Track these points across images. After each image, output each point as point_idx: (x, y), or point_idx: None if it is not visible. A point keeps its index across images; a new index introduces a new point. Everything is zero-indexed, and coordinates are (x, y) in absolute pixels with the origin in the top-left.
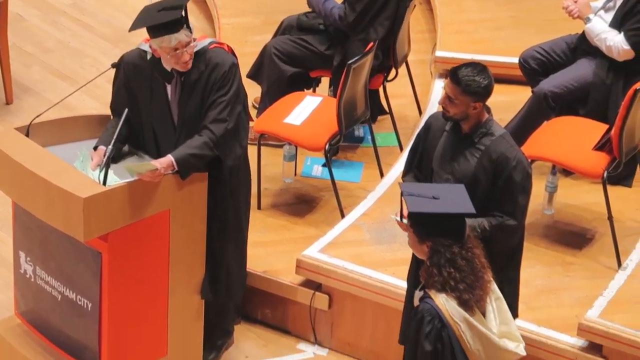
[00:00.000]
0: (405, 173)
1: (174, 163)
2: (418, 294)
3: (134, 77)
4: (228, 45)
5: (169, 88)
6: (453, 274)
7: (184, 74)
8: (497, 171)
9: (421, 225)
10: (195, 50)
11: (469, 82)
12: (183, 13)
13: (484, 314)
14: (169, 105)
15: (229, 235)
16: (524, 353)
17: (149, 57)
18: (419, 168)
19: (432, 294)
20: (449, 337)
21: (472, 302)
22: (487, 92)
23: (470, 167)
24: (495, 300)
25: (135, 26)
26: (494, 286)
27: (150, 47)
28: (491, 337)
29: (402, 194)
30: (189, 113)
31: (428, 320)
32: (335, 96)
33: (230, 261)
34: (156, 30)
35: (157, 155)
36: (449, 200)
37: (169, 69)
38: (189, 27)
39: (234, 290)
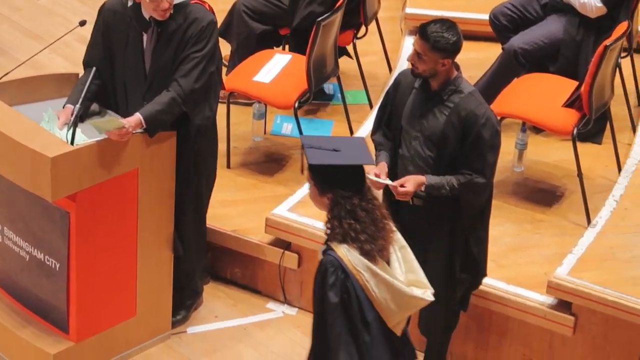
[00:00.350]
0: (374, 131)
1: (142, 121)
2: (321, 248)
3: (113, 23)
4: (209, 4)
5: (145, 38)
6: (353, 225)
7: (161, 24)
8: (466, 129)
9: (321, 177)
10: (176, 2)
11: (438, 38)
12: None
13: (388, 263)
14: (143, 55)
15: (189, 196)
16: (431, 298)
17: (129, 4)
18: (388, 126)
19: (334, 245)
20: (353, 287)
21: (375, 252)
22: (455, 48)
23: (439, 124)
24: (400, 249)
25: None
26: (398, 235)
27: None
28: (396, 284)
29: (302, 146)
30: (161, 64)
31: (331, 272)
32: (295, 50)
33: (187, 226)
34: None
35: (126, 108)
36: (349, 152)
37: (148, 18)
38: None
39: (189, 256)
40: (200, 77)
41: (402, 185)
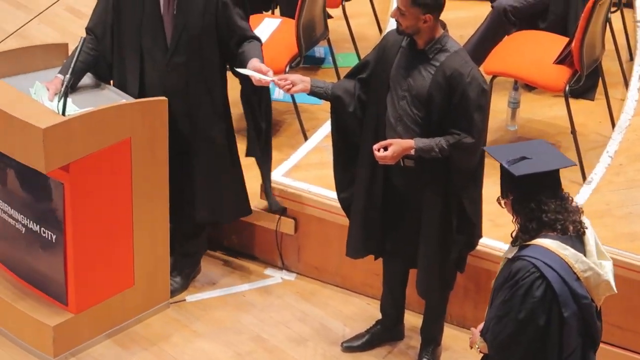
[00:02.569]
0: (346, 76)
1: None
2: (509, 252)
3: None
4: None
5: (162, 2)
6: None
7: None
8: (452, 88)
9: (525, 187)
10: None
11: None
12: None
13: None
14: (162, 20)
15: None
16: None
17: None
18: (367, 83)
19: (536, 241)
20: (555, 290)
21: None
22: (436, 4)
23: (426, 84)
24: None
25: None
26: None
27: None
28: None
29: (500, 166)
30: (185, 28)
31: (538, 285)
32: (284, 14)
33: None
34: None
35: (142, 73)
36: (542, 157)
37: None
38: None
39: (229, 210)
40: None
41: (385, 148)
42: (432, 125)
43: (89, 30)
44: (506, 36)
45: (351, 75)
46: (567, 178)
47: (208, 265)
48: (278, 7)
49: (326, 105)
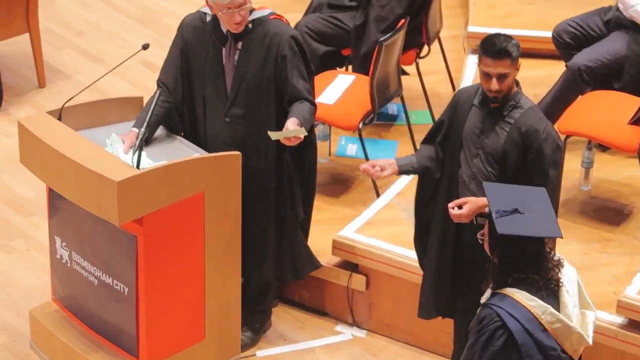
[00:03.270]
0: (425, 141)
1: (298, 123)
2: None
3: (192, 38)
4: (286, 19)
5: (224, 52)
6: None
7: (241, 39)
8: (527, 144)
9: (507, 250)
10: (253, 18)
11: (513, 48)
12: None
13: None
14: (223, 70)
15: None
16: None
17: (208, 18)
18: (443, 144)
19: (504, 291)
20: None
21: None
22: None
23: (500, 141)
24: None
25: None
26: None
27: (207, 3)
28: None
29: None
30: (245, 81)
31: (499, 335)
32: (356, 70)
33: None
34: None
35: (204, 123)
36: (536, 216)
37: (225, 32)
38: None
39: (300, 266)
40: (311, 89)
41: (459, 207)
42: (506, 182)
43: (160, 82)
44: (580, 96)
45: (430, 139)
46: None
47: (278, 320)
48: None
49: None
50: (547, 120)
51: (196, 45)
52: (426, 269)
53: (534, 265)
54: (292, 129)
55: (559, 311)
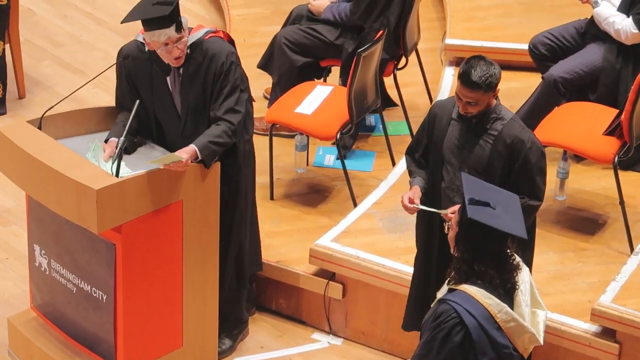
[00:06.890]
0: (409, 152)
1: (197, 152)
2: (442, 293)
3: (134, 68)
4: (224, 32)
5: (169, 80)
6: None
7: (182, 65)
8: (513, 155)
9: (472, 237)
10: (189, 42)
11: (488, 81)
12: (175, 9)
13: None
14: (172, 96)
15: (246, 221)
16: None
17: (147, 48)
18: (425, 158)
19: (461, 287)
20: (472, 341)
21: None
22: (500, 79)
23: (485, 154)
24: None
25: (127, 19)
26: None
27: (144, 40)
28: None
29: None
30: (191, 104)
31: (457, 331)
32: (345, 85)
33: (245, 247)
34: (147, 24)
35: (164, 144)
36: (506, 214)
37: (167, 61)
38: (180, 24)
39: (243, 277)
40: (240, 106)
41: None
42: None
43: (118, 104)
44: (556, 107)
45: (412, 151)
46: (615, 249)
47: (256, 328)
48: (339, 76)
49: (375, 172)
50: (528, 130)
51: (139, 75)
52: (412, 282)
53: (493, 261)
54: (167, 156)
55: (513, 310)
